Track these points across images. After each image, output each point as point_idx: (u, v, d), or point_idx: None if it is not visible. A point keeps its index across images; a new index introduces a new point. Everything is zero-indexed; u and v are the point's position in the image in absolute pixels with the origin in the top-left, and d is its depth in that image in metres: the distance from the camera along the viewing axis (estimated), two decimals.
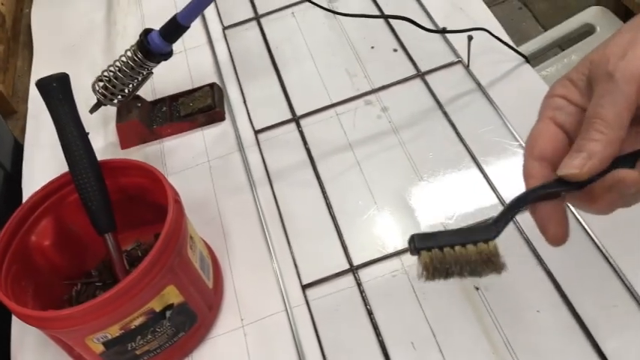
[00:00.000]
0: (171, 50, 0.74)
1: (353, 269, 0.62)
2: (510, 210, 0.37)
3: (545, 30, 1.31)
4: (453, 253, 0.37)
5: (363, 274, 0.62)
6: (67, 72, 0.62)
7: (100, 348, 0.54)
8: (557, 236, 0.37)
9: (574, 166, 0.35)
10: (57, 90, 0.60)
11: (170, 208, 0.54)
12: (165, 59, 0.74)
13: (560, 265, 0.57)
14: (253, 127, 0.79)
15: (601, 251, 0.57)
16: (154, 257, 0.51)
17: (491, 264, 0.36)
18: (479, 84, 0.76)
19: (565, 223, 0.37)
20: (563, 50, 1.23)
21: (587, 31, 1.24)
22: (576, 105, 0.39)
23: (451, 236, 0.37)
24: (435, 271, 0.37)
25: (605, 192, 0.35)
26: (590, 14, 1.25)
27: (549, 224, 0.37)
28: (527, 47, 1.22)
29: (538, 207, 0.37)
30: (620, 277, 0.55)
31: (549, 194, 0.37)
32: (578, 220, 0.60)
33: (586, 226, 0.59)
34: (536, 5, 2.12)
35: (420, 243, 0.37)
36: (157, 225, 0.55)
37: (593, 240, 0.58)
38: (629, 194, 0.36)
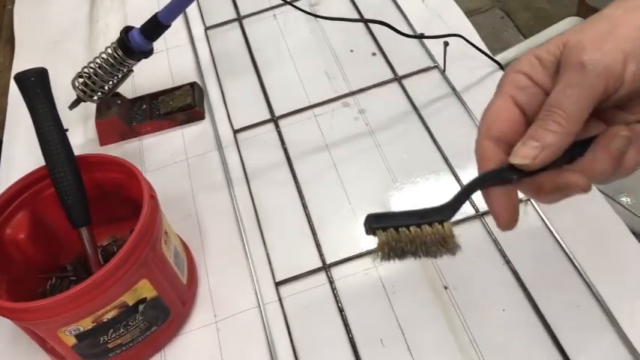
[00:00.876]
0: (152, 48, 0.74)
1: (326, 267, 0.63)
2: (465, 193, 0.38)
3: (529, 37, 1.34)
4: (409, 233, 0.37)
5: (336, 272, 0.63)
6: (48, 68, 0.63)
7: (73, 341, 0.54)
8: (509, 223, 0.37)
9: (527, 155, 0.35)
10: (35, 84, 0.60)
11: (145, 203, 0.55)
12: (146, 57, 0.74)
13: (525, 265, 0.59)
14: (232, 127, 0.80)
15: (565, 251, 0.59)
16: (127, 251, 0.52)
17: (446, 244, 0.37)
18: (454, 89, 0.77)
19: (516, 209, 0.37)
20: None
21: None
22: (540, 86, 0.37)
23: (407, 217, 0.37)
24: (390, 250, 0.37)
25: (553, 189, 0.36)
26: (568, 24, 1.28)
27: (502, 211, 0.37)
28: (506, 55, 1.24)
29: (490, 193, 0.37)
30: (582, 277, 0.57)
31: (502, 179, 0.37)
32: (542, 219, 0.62)
33: (550, 227, 0.61)
34: (518, 15, 2.15)
35: (375, 222, 0.37)
36: (132, 221, 0.56)
37: (557, 240, 0.60)
38: (574, 194, 0.36)
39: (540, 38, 1.27)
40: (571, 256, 0.59)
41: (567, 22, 1.29)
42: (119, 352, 0.58)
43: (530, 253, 0.60)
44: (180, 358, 0.60)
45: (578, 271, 0.58)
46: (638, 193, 0.99)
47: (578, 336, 0.54)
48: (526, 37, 1.93)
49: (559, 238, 0.60)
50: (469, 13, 2.06)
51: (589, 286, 0.56)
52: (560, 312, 0.55)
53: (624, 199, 0.98)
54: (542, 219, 0.62)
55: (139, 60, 0.74)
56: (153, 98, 0.85)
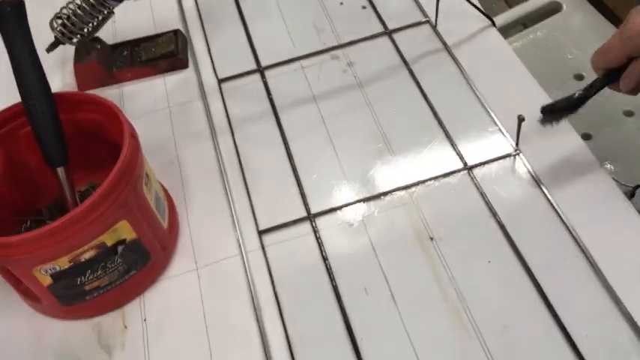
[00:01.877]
0: None
1: (310, 217, 0.62)
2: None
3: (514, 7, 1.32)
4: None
5: (320, 222, 0.62)
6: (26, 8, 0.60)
7: (48, 280, 0.52)
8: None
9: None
10: (11, 15, 0.57)
11: (125, 142, 0.53)
12: None
13: (512, 219, 0.59)
14: (217, 76, 0.78)
15: (552, 206, 0.59)
16: (107, 188, 0.50)
17: None
18: (445, 44, 0.76)
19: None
20: (527, 28, 1.24)
21: (554, 8, 1.25)
22: None
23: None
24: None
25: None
26: None
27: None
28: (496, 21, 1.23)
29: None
30: (570, 233, 0.57)
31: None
32: (531, 174, 0.61)
33: (539, 181, 0.61)
34: None
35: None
36: (111, 166, 0.54)
37: (545, 195, 0.60)
38: None
39: (530, 5, 1.26)
40: (558, 211, 0.58)
41: None
42: (96, 295, 0.56)
43: (518, 208, 0.60)
44: (159, 303, 0.59)
45: (565, 225, 0.57)
46: (620, 161, 0.99)
47: (562, 287, 0.54)
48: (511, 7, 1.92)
49: (547, 193, 0.60)
50: None
51: (576, 240, 0.56)
52: (545, 265, 0.55)
53: (608, 167, 0.98)
54: (531, 173, 0.62)
55: (120, 1, 0.71)
56: (134, 45, 0.82)
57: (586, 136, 1.03)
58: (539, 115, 0.63)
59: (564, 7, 1.24)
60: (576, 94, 0.56)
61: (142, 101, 0.77)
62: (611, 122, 1.04)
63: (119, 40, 0.84)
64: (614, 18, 1.29)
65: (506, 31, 1.25)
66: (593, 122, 1.04)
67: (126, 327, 0.58)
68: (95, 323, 0.58)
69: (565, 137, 0.64)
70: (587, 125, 1.04)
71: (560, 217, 0.58)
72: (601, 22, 1.22)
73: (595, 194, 0.59)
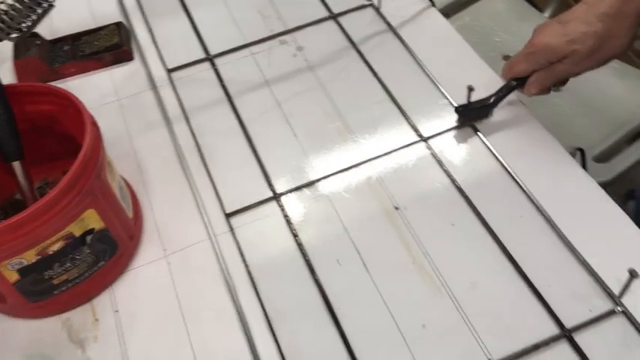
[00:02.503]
0: None
1: (276, 196, 0.63)
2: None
3: None
4: None
5: (287, 200, 0.63)
6: None
7: (15, 276, 0.50)
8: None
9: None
10: None
11: (87, 129, 0.52)
12: None
13: (471, 184, 0.62)
14: (165, 66, 0.77)
15: (505, 168, 0.62)
16: (73, 177, 0.49)
17: None
18: (389, 25, 0.78)
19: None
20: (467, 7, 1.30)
21: None
22: None
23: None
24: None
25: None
26: None
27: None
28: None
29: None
30: (525, 192, 0.60)
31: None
32: (483, 142, 0.65)
33: (492, 149, 0.64)
34: None
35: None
36: (66, 160, 0.53)
37: (498, 159, 0.63)
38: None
39: None
40: (511, 172, 0.62)
41: None
42: (65, 288, 0.54)
43: (474, 172, 0.63)
44: (130, 293, 0.58)
45: (518, 184, 0.61)
46: (551, 131, 1.05)
47: (523, 242, 0.57)
48: None
49: (499, 157, 0.63)
50: None
51: (530, 198, 0.60)
52: (505, 223, 0.58)
53: None
54: (483, 140, 0.65)
55: None
56: (75, 39, 0.80)
57: None
58: (486, 86, 0.67)
59: None
60: (490, 100, 0.64)
61: (89, 96, 0.75)
62: (541, 98, 1.10)
63: (58, 35, 0.81)
64: (535, 2, 1.36)
65: (453, 9, 1.29)
66: (525, 97, 1.10)
67: (97, 320, 0.56)
68: (64, 319, 0.56)
69: (512, 106, 0.68)
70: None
71: (513, 178, 0.61)
72: (524, 6, 1.29)
73: (543, 155, 0.63)
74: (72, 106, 0.55)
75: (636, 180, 1.05)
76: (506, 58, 1.20)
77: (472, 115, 0.66)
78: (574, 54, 0.57)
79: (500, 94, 0.64)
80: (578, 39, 0.56)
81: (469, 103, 0.64)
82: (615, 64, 1.17)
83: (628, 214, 0.83)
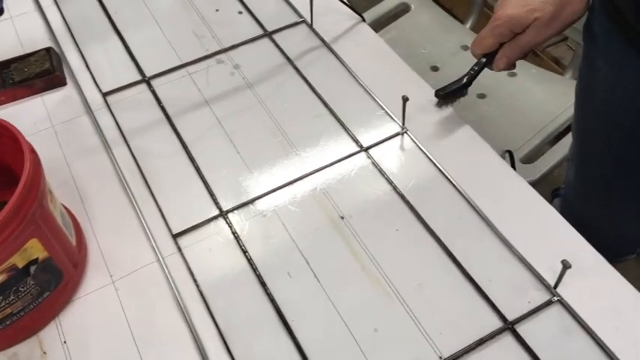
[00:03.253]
0: (1, 8, 0.68)
1: (223, 214, 0.63)
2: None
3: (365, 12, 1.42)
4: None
5: (234, 217, 0.63)
6: None
7: None
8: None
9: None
10: None
11: (27, 157, 0.51)
12: None
13: (411, 191, 0.64)
14: (100, 90, 0.76)
15: (442, 173, 0.65)
16: (14, 205, 0.48)
17: None
18: (323, 40, 0.81)
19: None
20: (409, 12, 1.34)
21: (403, 9, 1.36)
22: None
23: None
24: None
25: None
26: None
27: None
28: (375, 10, 1.31)
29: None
30: (461, 194, 0.63)
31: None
32: (420, 148, 0.68)
33: (431, 157, 0.67)
34: None
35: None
36: (3, 191, 0.51)
37: (437, 167, 0.66)
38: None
39: (382, 7, 1.36)
40: (448, 176, 0.65)
41: None
42: (9, 322, 0.53)
43: (413, 178, 0.65)
44: (78, 323, 0.57)
45: (455, 187, 0.64)
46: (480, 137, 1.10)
47: (463, 242, 0.60)
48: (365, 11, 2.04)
49: (436, 162, 0.66)
50: None
51: (467, 199, 0.63)
52: (445, 225, 0.61)
53: None
54: (420, 147, 0.68)
55: None
56: (3, 66, 0.78)
57: None
58: (419, 96, 0.70)
59: (412, 7, 1.36)
60: (464, 80, 0.68)
61: (21, 124, 0.71)
62: (468, 105, 1.16)
63: None
64: (456, 15, 1.43)
65: (387, 19, 1.33)
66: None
67: (45, 353, 0.55)
68: (10, 354, 0.54)
69: (443, 113, 0.71)
70: None
71: (449, 181, 0.64)
72: (446, 19, 1.35)
73: (475, 158, 0.67)
74: (7, 134, 0.54)
75: (560, 179, 1.11)
76: (433, 68, 1.25)
77: (450, 97, 0.69)
78: (536, 22, 0.60)
79: (473, 72, 0.67)
80: (538, 7, 0.60)
81: (446, 86, 0.68)
82: (533, 69, 1.24)
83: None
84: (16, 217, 0.48)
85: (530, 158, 1.09)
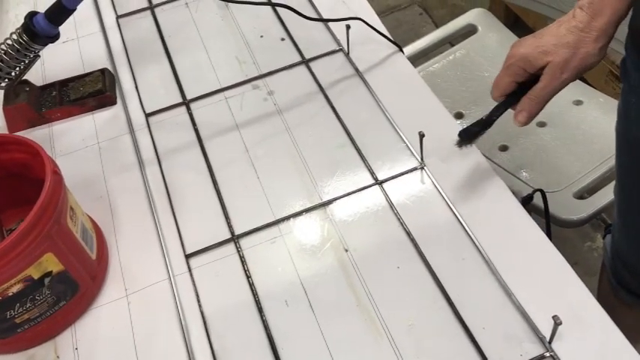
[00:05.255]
0: (58, 33, 0.75)
1: (234, 238, 0.66)
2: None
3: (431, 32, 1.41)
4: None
5: (244, 242, 0.66)
6: None
7: None
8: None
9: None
10: None
11: (47, 177, 0.56)
12: (52, 42, 0.75)
13: (418, 226, 0.64)
14: (144, 111, 0.81)
15: (453, 212, 0.64)
16: (29, 224, 0.53)
17: None
18: (357, 69, 0.82)
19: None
20: (453, 46, 1.33)
21: (470, 30, 1.34)
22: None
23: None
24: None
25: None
26: (475, 14, 1.35)
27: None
28: (417, 44, 1.31)
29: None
30: (469, 237, 0.62)
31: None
32: (435, 186, 0.67)
33: (444, 195, 0.66)
34: (435, 12, 2.25)
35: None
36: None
37: (447, 203, 0.65)
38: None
39: (449, 28, 1.34)
40: (458, 216, 0.64)
41: (474, 13, 1.36)
42: (27, 327, 0.58)
43: (423, 216, 0.65)
44: (91, 332, 0.61)
45: (464, 228, 0.63)
46: (535, 168, 1.06)
47: (462, 284, 0.59)
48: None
49: (448, 202, 0.65)
50: (389, 10, 2.11)
51: (473, 241, 0.61)
52: (447, 265, 0.60)
53: (524, 174, 1.06)
54: (435, 184, 0.67)
55: (44, 45, 0.75)
56: (63, 85, 0.85)
57: (503, 148, 1.11)
58: (443, 133, 0.69)
59: (479, 29, 1.33)
60: (484, 118, 0.65)
61: (72, 139, 0.80)
62: (525, 134, 1.12)
63: (48, 80, 0.86)
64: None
65: (431, 52, 1.33)
66: (509, 134, 1.12)
67: (58, 357, 0.60)
68: (29, 355, 0.60)
69: (465, 152, 0.70)
70: (504, 137, 1.12)
71: (459, 221, 0.63)
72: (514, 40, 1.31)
73: (492, 202, 0.65)
74: (38, 154, 0.59)
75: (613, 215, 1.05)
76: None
77: (472, 137, 0.66)
78: (549, 66, 0.59)
79: (495, 114, 0.65)
80: (551, 51, 0.59)
81: (468, 127, 0.66)
82: (601, 98, 1.18)
83: (604, 247, 0.84)
84: (31, 233, 0.53)
85: (587, 193, 1.04)
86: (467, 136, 0.66)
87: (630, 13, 0.61)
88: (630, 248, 0.83)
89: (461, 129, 0.68)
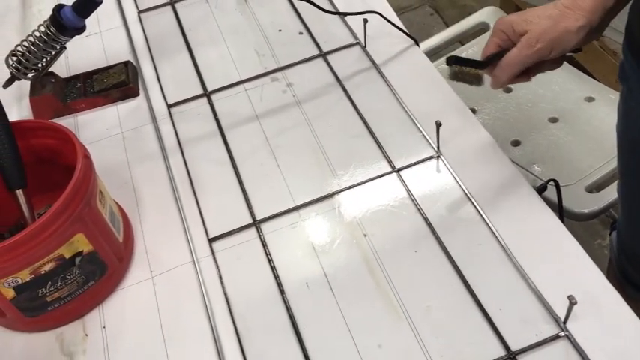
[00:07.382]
0: (85, 25, 0.77)
1: (256, 223, 0.68)
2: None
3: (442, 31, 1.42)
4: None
5: (265, 227, 0.68)
6: None
7: (11, 293, 0.57)
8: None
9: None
10: None
11: (79, 161, 0.58)
12: (79, 33, 0.77)
13: (435, 213, 0.65)
14: (166, 101, 0.84)
15: (469, 199, 0.66)
16: (62, 204, 0.55)
17: None
18: (374, 62, 0.83)
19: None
20: (463, 45, 1.34)
21: (482, 29, 1.36)
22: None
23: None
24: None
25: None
26: (486, 12, 1.37)
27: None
28: (429, 42, 1.32)
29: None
30: (485, 223, 0.64)
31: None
32: (451, 174, 0.69)
33: (461, 183, 0.68)
34: (446, 12, 2.26)
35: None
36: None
37: (463, 190, 0.67)
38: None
39: (461, 26, 1.36)
40: (474, 203, 0.65)
41: (486, 11, 1.38)
42: (57, 305, 0.60)
43: (440, 203, 0.67)
44: (118, 311, 0.63)
45: (480, 214, 0.64)
46: (547, 163, 1.08)
47: (479, 268, 0.60)
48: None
49: (464, 188, 0.67)
50: (401, 10, 2.12)
51: (490, 228, 0.63)
52: (465, 250, 0.62)
53: (536, 169, 1.07)
54: (451, 172, 0.69)
55: (71, 37, 0.77)
56: (87, 77, 0.88)
57: (515, 143, 1.12)
58: (459, 123, 0.71)
59: (491, 27, 1.34)
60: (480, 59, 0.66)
61: (96, 129, 0.82)
62: (537, 129, 1.13)
63: (73, 73, 0.89)
64: None
65: (442, 50, 1.35)
66: (521, 130, 1.13)
67: (87, 335, 0.62)
68: (58, 333, 0.62)
69: (480, 139, 0.72)
70: (516, 133, 1.13)
71: (475, 207, 0.65)
72: None
73: (507, 188, 0.67)
74: (69, 140, 0.62)
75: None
76: (506, 89, 1.23)
77: (458, 63, 0.66)
78: (527, 34, 0.60)
79: (477, 63, 0.66)
80: (533, 20, 0.60)
81: (463, 57, 0.67)
82: (612, 95, 1.19)
83: (610, 243, 0.86)
84: (64, 214, 0.55)
85: (598, 187, 1.05)
86: (454, 62, 0.67)
87: (626, 17, 0.62)
88: (633, 240, 0.84)
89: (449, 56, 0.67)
